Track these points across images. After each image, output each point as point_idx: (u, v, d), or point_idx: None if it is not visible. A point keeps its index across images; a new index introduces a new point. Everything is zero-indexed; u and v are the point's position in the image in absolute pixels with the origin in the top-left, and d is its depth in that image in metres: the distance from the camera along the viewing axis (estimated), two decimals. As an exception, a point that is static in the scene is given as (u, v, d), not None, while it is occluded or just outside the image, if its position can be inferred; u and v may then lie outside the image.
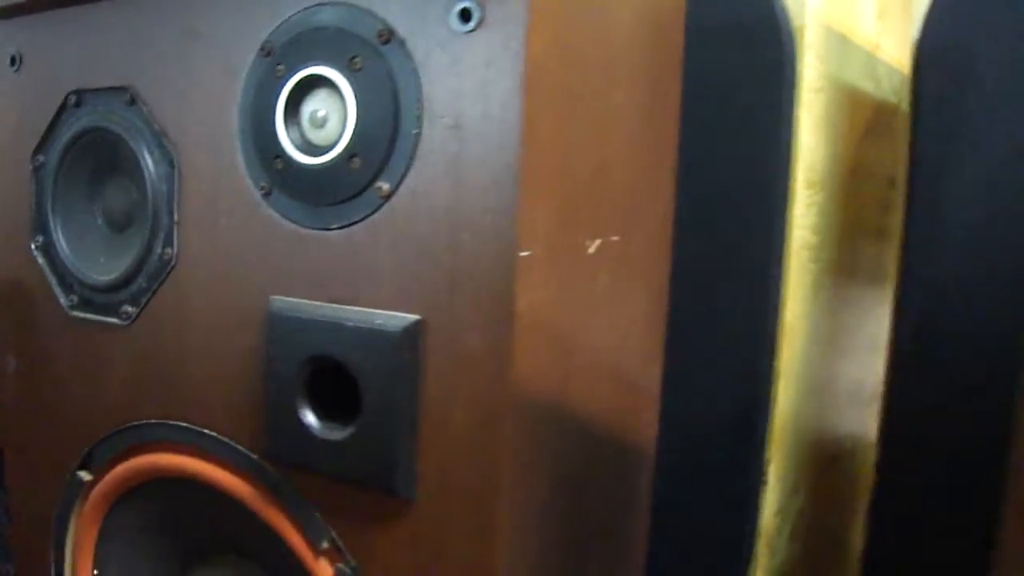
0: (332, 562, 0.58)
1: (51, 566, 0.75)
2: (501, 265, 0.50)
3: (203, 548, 0.70)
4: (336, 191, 0.54)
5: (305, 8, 0.55)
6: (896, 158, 0.97)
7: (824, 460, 1.06)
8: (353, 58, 0.53)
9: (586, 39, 0.57)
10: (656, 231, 0.76)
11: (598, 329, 0.64)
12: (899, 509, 0.86)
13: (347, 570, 0.57)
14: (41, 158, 0.69)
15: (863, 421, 1.08)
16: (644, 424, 0.80)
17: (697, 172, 0.86)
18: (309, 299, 0.56)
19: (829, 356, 1.01)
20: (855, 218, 1.02)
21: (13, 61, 0.70)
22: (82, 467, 0.70)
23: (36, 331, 0.71)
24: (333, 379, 0.55)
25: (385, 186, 0.52)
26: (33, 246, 0.70)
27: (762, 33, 0.87)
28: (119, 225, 0.67)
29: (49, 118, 0.68)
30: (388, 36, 0.52)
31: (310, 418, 0.55)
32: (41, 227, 0.70)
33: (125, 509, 0.70)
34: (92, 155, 0.67)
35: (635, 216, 0.69)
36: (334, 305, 0.55)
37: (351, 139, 0.53)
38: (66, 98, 0.67)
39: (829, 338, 1.01)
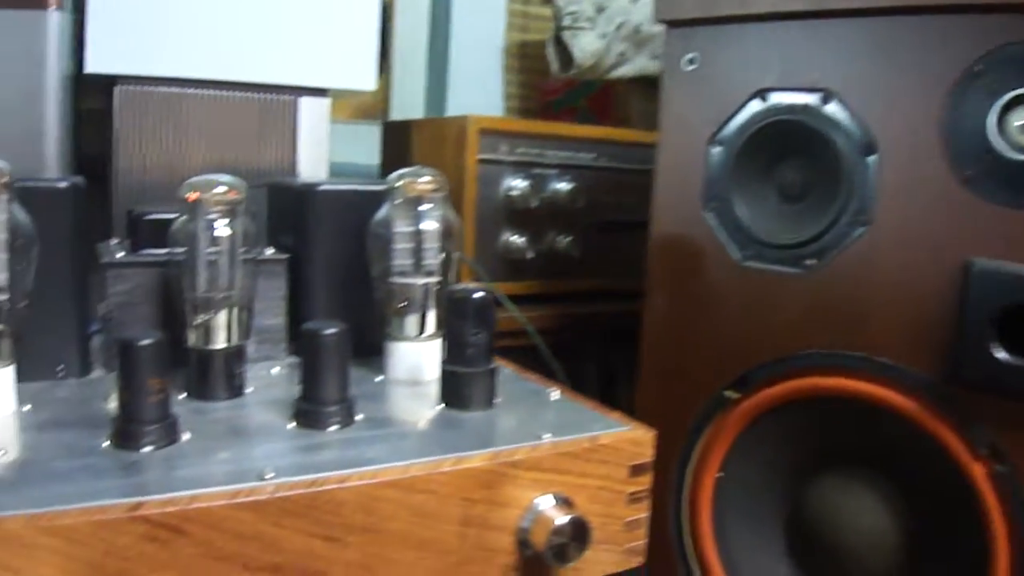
0: (989, 465, 0.85)
1: (675, 464, 1.07)
2: None
3: (824, 459, 0.99)
4: (1041, 178, 0.81)
5: (1008, 43, 0.82)
6: None
7: None
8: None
9: None
10: None
11: None
12: None
13: (1004, 470, 0.84)
14: (720, 140, 1.00)
15: None
16: None
17: None
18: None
19: None
20: None
21: (692, 61, 1.02)
22: (730, 388, 1.01)
23: (700, 276, 1.02)
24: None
25: (1091, 175, 0.78)
26: (705, 210, 1.02)
27: None
28: (792, 198, 0.97)
29: (728, 110, 0.99)
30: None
31: (1001, 353, 0.83)
32: (714, 195, 1.01)
33: (763, 424, 1.00)
34: (772, 141, 0.97)
35: None
36: (1033, 267, 0.81)
37: (1066, 141, 0.79)
38: (753, 94, 0.98)
39: None
